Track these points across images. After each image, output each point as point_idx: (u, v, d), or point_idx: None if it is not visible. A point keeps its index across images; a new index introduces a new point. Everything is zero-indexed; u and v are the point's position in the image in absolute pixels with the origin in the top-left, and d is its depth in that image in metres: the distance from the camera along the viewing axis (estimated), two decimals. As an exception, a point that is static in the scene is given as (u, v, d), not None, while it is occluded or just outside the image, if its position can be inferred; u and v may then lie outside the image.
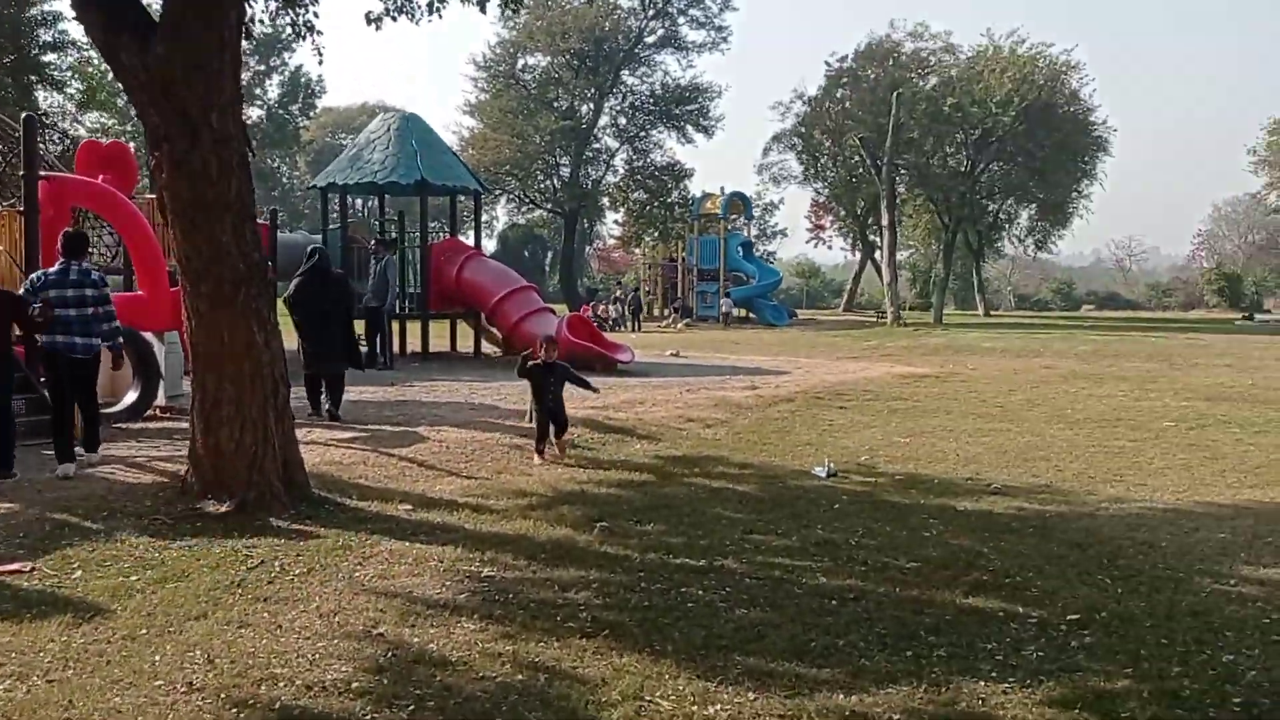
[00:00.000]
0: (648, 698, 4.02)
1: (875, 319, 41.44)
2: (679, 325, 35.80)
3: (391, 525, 6.56)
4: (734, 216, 43.02)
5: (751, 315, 39.81)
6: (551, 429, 9.12)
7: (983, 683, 4.21)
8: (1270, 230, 76.51)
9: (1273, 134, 43.24)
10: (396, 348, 18.51)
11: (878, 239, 48.70)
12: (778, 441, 10.35)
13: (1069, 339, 28.72)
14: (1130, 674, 4.31)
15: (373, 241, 18.26)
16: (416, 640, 4.59)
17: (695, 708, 3.94)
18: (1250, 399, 14.11)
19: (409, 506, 7.07)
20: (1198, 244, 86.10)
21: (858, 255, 58.73)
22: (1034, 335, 30.55)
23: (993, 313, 52.04)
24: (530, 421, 9.64)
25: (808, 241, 70.39)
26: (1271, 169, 44.01)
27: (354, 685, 4.08)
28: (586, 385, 9.88)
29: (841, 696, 4.05)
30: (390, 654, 4.42)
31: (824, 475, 8.52)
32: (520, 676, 4.20)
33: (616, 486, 7.99)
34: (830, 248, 62.67)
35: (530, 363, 9.32)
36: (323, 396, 10.96)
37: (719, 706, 3.96)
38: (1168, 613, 5.07)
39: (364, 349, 15.90)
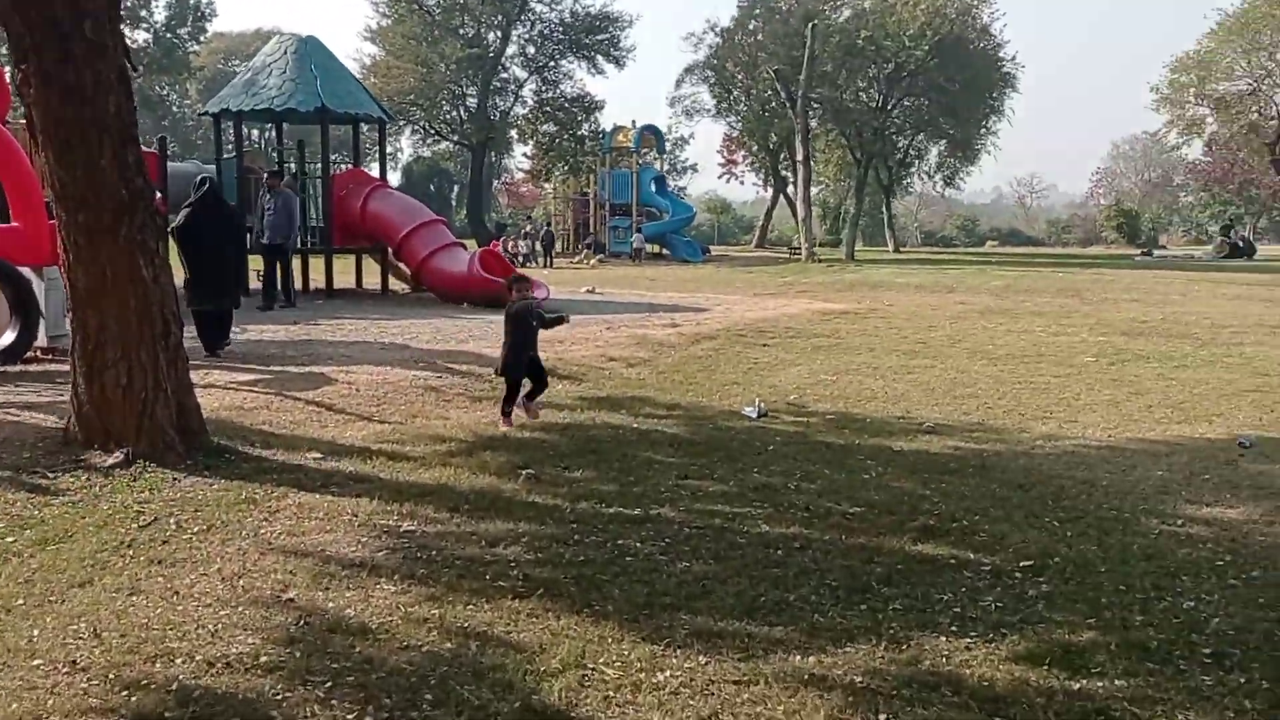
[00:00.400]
0: (590, 665, 3.68)
1: (789, 255, 41.44)
2: (592, 261, 35.26)
3: (300, 476, 6.07)
4: (646, 150, 42.37)
5: (665, 251, 39.41)
6: (526, 389, 7.84)
7: (944, 638, 3.98)
8: (1166, 168, 78.85)
9: (1174, 71, 44.15)
10: (299, 285, 17.67)
11: (790, 174, 48.56)
12: (704, 381, 10.05)
13: (980, 275, 29.04)
14: (1093, 624, 4.12)
15: (266, 175, 17.27)
16: (331, 605, 4.17)
17: (643, 674, 3.62)
18: (1164, 333, 14.29)
19: (318, 455, 6.58)
20: (1096, 181, 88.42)
21: (769, 191, 58.63)
22: (945, 271, 30.85)
23: (901, 249, 52.58)
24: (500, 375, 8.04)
25: (720, 177, 70.19)
26: (1173, 106, 44.98)
27: (262, 659, 3.66)
28: (560, 320, 8.17)
29: (799, 658, 3.77)
30: (302, 622, 4.00)
31: (755, 416, 8.25)
32: (449, 644, 3.83)
33: (540, 430, 7.59)
34: (742, 183, 62.50)
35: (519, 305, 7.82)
36: None
37: (669, 673, 3.64)
38: (1121, 557, 4.91)
39: (256, 287, 15.13)
